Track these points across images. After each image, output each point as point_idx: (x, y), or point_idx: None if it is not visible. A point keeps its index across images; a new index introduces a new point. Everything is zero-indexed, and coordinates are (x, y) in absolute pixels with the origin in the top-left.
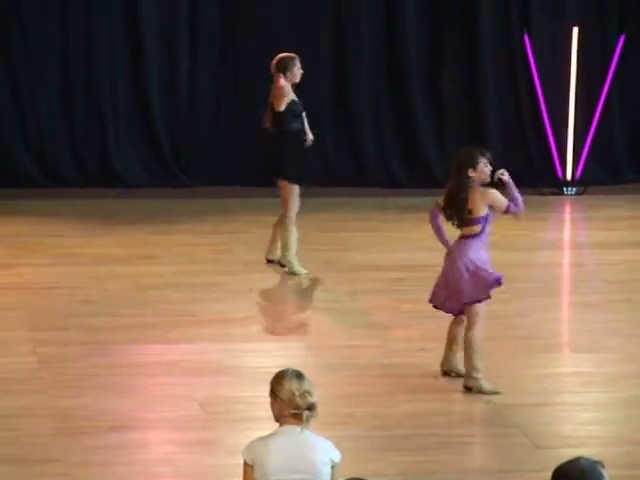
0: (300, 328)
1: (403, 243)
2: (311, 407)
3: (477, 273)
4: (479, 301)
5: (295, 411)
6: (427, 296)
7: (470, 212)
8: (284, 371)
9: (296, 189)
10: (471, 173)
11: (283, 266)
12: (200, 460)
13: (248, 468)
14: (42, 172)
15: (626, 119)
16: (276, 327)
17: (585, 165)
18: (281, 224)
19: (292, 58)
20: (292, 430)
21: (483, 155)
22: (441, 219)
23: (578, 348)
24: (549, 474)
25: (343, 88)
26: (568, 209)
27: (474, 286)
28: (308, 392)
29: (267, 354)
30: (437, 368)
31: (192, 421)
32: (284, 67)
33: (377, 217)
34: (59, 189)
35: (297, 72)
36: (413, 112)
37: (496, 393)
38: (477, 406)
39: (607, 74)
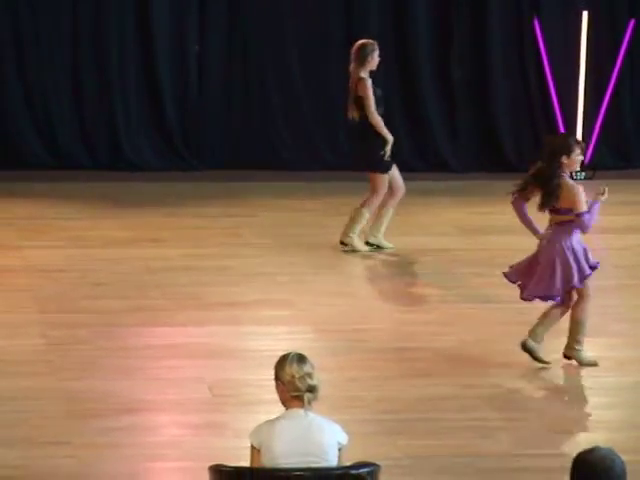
0: (309, 312)
1: (414, 227)
2: (312, 389)
3: (576, 257)
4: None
5: (296, 393)
6: (439, 281)
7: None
8: (286, 355)
9: (386, 178)
10: (564, 160)
11: (344, 244)
12: (208, 443)
13: (255, 451)
14: (52, 155)
15: (636, 104)
16: (285, 310)
17: (594, 149)
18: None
19: (372, 44)
20: (297, 413)
21: (578, 144)
22: (524, 205)
23: (587, 333)
24: (560, 458)
25: None
26: None
27: (578, 269)
28: (308, 374)
29: (276, 337)
30: (449, 352)
31: (200, 404)
32: (364, 55)
33: None
34: (69, 172)
35: (376, 59)
36: (422, 96)
37: (593, 365)
38: (487, 390)
39: (617, 59)
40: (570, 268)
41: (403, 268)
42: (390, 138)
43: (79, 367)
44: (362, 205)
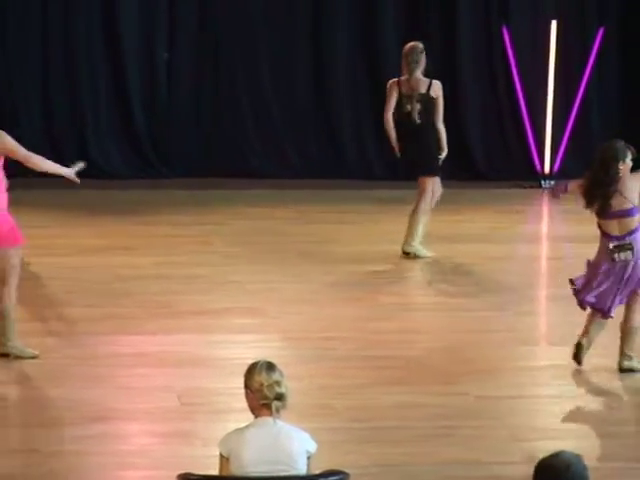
0: (279, 320)
1: (383, 235)
2: (280, 397)
3: None
4: None
5: (264, 401)
6: (406, 289)
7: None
8: (255, 363)
9: (438, 179)
10: (620, 166)
11: (407, 254)
12: (177, 451)
13: (224, 460)
14: (20, 163)
15: (604, 112)
16: (255, 318)
17: (563, 158)
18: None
19: (422, 47)
20: (266, 422)
21: (629, 148)
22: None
23: (555, 341)
24: (526, 467)
25: (322, 83)
26: (546, 202)
27: None
28: (277, 382)
29: (245, 346)
30: (417, 360)
31: (169, 412)
32: (419, 58)
33: (355, 209)
34: (37, 179)
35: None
36: None
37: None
38: (455, 399)
39: (586, 67)
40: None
41: (372, 276)
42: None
43: (48, 375)
44: (415, 211)
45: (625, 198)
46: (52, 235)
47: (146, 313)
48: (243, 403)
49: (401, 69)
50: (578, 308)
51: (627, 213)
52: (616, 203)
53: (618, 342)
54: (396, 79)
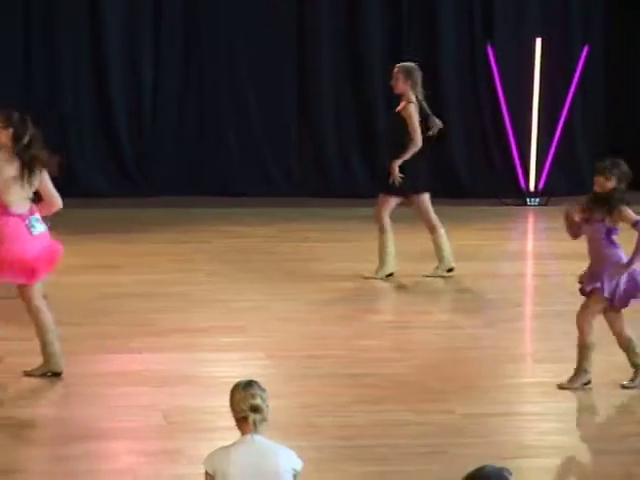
0: (262, 338)
1: (367, 253)
2: (255, 409)
3: None
4: None
5: (241, 414)
6: (392, 306)
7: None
8: (236, 383)
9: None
10: (623, 187)
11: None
12: (162, 470)
13: (209, 478)
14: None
15: (589, 130)
16: (239, 337)
17: (548, 176)
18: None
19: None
20: (251, 439)
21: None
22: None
23: (540, 358)
24: None
25: (306, 101)
26: (531, 220)
27: None
28: (252, 395)
29: (229, 364)
30: (402, 378)
31: (154, 431)
32: (415, 77)
33: (340, 227)
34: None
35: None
36: (375, 124)
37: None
38: (440, 417)
39: (570, 85)
40: None
41: (356, 294)
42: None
43: (31, 395)
44: (431, 232)
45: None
46: None
47: (130, 331)
48: (228, 421)
49: (391, 87)
50: (564, 325)
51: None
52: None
53: (605, 358)
54: (415, 101)
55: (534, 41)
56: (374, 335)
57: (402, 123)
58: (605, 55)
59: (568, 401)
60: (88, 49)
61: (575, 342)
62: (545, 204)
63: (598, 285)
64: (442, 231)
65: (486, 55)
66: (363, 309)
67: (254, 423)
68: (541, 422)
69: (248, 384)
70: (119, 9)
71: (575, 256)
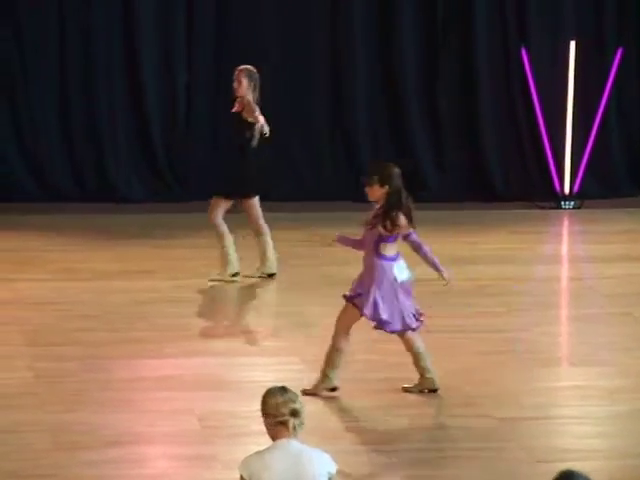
0: (297, 342)
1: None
2: (295, 413)
3: None
4: None
5: (280, 419)
6: (426, 310)
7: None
8: (269, 389)
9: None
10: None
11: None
12: (197, 475)
13: None
14: (40, 187)
15: (623, 133)
16: (273, 342)
17: (583, 179)
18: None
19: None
20: (286, 443)
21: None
22: None
23: (576, 362)
24: None
25: (340, 104)
26: (566, 223)
27: None
28: (291, 400)
29: (264, 369)
30: (439, 382)
31: (189, 436)
32: (256, 80)
33: None
34: (57, 204)
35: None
36: (410, 128)
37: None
38: (476, 421)
39: (604, 88)
40: None
41: None
42: None
43: (67, 400)
44: (257, 235)
45: None
46: (72, 259)
47: (165, 336)
48: (262, 426)
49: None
50: (599, 328)
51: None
52: None
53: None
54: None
55: (568, 44)
56: None
57: (242, 124)
58: (639, 56)
59: (605, 405)
60: (122, 57)
61: (612, 346)
62: (579, 207)
63: (360, 292)
64: (268, 238)
65: (520, 58)
66: None
67: (294, 427)
68: (577, 426)
69: (283, 389)
70: (152, 17)
71: (610, 259)
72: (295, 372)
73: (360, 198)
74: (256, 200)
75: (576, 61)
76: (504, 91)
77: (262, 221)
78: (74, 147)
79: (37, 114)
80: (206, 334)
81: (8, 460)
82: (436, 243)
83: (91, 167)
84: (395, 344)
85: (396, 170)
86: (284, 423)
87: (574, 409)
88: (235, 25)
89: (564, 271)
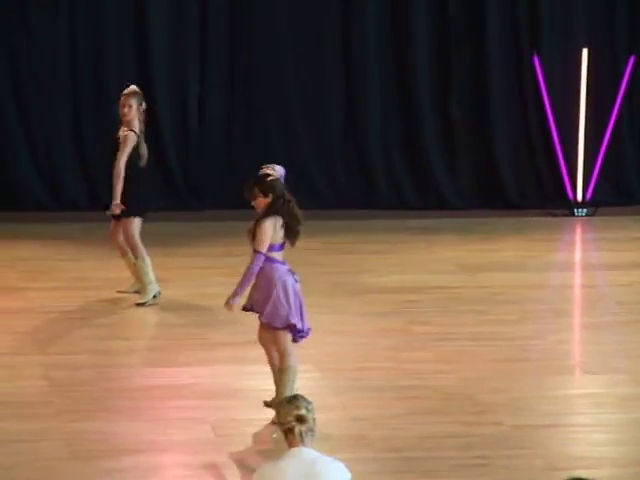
0: (312, 350)
1: (414, 264)
2: (300, 419)
3: None
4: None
5: (287, 426)
6: (440, 318)
7: None
8: (281, 399)
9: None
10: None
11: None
12: None
13: None
14: (53, 196)
15: (636, 140)
16: None
17: (595, 186)
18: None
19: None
20: (300, 451)
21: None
22: None
23: (590, 369)
24: None
25: (353, 110)
26: (579, 230)
27: None
28: (297, 406)
29: None
30: (450, 390)
31: (204, 444)
32: (142, 103)
33: (387, 239)
34: (70, 213)
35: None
36: (422, 135)
37: None
38: (490, 428)
39: (617, 95)
40: None
41: (405, 306)
42: None
43: (81, 408)
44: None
45: None
46: (86, 268)
47: (179, 345)
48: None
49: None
50: (613, 336)
51: None
52: None
53: None
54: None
55: (580, 51)
56: (423, 347)
57: (118, 149)
58: None
59: (618, 412)
60: (133, 65)
61: (625, 353)
62: (592, 215)
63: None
64: (148, 260)
65: (533, 66)
66: (412, 321)
67: (300, 434)
68: (591, 433)
69: (293, 397)
70: (165, 23)
71: (624, 266)
72: (310, 380)
73: (371, 205)
74: (135, 221)
75: (588, 69)
76: (517, 99)
77: (140, 244)
78: (86, 156)
79: (50, 126)
80: (220, 342)
81: (24, 469)
82: (449, 250)
83: (104, 176)
84: (412, 352)
85: (276, 178)
86: (291, 430)
87: (588, 417)
88: (249, 35)
89: (577, 278)
